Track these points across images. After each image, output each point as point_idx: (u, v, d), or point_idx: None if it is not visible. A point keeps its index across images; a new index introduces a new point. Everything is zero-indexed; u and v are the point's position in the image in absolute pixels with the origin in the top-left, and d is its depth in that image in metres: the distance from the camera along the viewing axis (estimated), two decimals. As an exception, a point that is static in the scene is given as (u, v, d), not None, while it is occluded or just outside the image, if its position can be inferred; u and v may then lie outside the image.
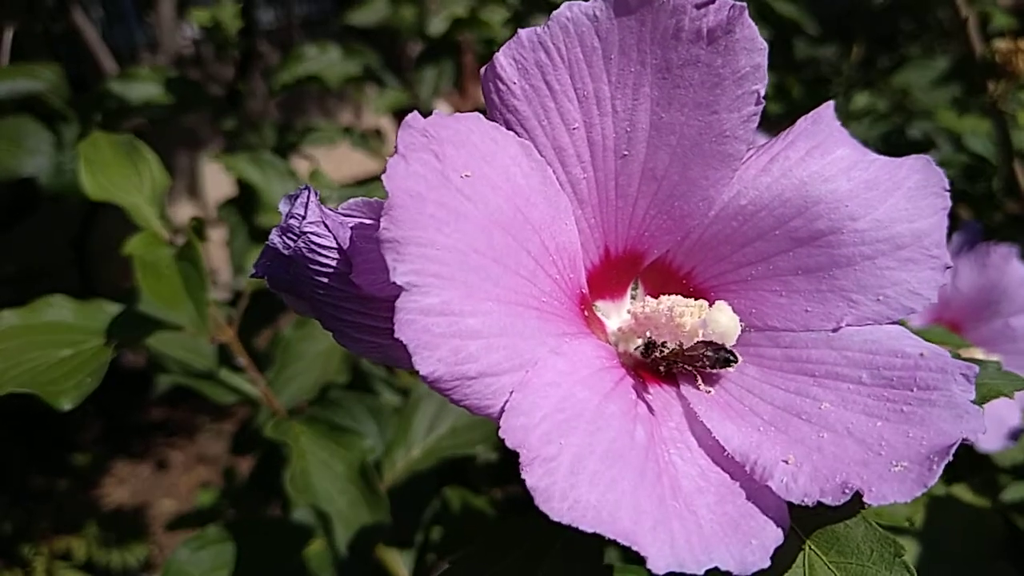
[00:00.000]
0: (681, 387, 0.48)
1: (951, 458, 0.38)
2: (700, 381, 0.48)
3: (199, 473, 3.26)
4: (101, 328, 0.88)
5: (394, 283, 0.38)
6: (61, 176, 1.95)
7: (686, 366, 0.48)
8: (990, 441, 1.18)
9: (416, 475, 1.15)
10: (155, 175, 0.95)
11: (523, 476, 0.36)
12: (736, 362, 0.49)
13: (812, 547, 0.44)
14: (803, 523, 0.45)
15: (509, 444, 0.37)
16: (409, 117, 0.41)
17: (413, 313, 0.37)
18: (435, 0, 1.83)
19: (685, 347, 0.47)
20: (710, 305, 0.47)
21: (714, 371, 0.49)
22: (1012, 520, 1.05)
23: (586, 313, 0.50)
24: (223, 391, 1.05)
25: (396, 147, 0.41)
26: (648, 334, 0.49)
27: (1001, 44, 1.26)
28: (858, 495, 0.38)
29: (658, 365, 0.49)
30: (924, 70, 1.96)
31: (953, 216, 1.31)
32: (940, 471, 0.38)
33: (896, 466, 0.39)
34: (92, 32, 2.01)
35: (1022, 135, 1.27)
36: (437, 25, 1.58)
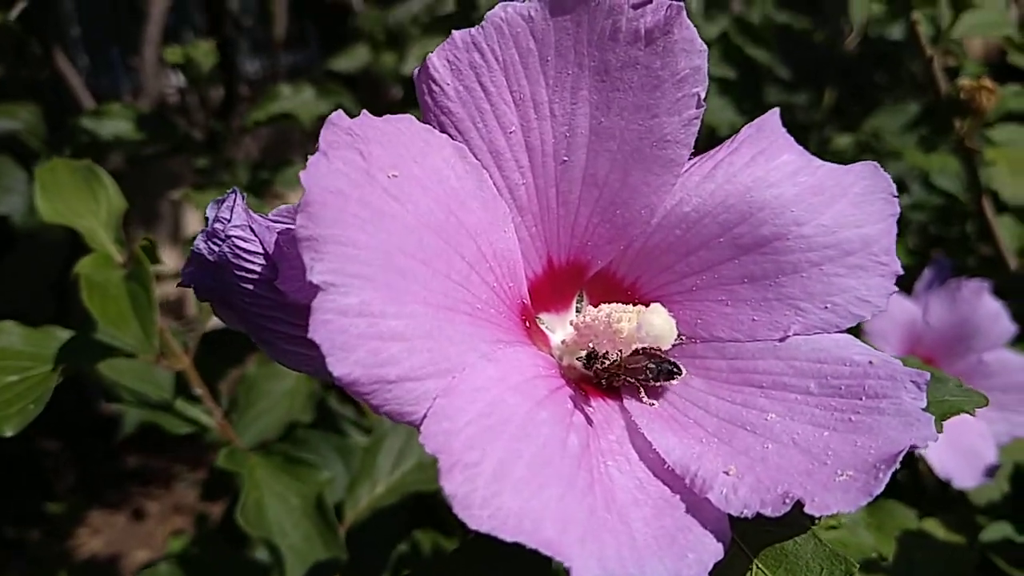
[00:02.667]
0: (624, 401, 0.46)
1: (898, 466, 0.37)
2: (644, 394, 0.46)
3: (175, 523, 3.17)
4: (51, 355, 0.86)
5: (311, 283, 0.36)
6: (35, 215, 1.93)
7: (629, 379, 0.46)
8: (966, 478, 1.16)
9: (381, 512, 1.12)
10: (112, 200, 0.94)
11: (441, 483, 0.34)
12: (680, 374, 0.47)
13: (759, 566, 0.42)
14: (751, 541, 0.43)
15: (428, 449, 0.35)
16: (333, 115, 0.40)
17: (329, 313, 0.35)
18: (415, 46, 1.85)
19: (625, 355, 0.45)
20: (650, 312, 0.46)
21: (658, 384, 0.47)
22: (990, 559, 1.02)
23: (528, 325, 0.48)
24: (179, 422, 1.02)
25: (318, 146, 0.39)
26: (590, 344, 0.47)
27: (965, 82, 1.27)
28: (799, 505, 0.36)
29: (600, 378, 0.47)
30: (895, 115, 1.98)
31: (927, 258, 1.30)
32: (887, 479, 0.36)
33: (841, 475, 0.37)
34: (75, 78, 2.02)
35: (989, 172, 1.28)
36: (410, 64, 1.59)
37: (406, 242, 0.39)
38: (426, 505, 1.40)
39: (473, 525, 0.33)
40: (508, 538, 0.33)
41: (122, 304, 0.78)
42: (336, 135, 0.39)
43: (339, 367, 0.35)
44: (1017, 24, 1.38)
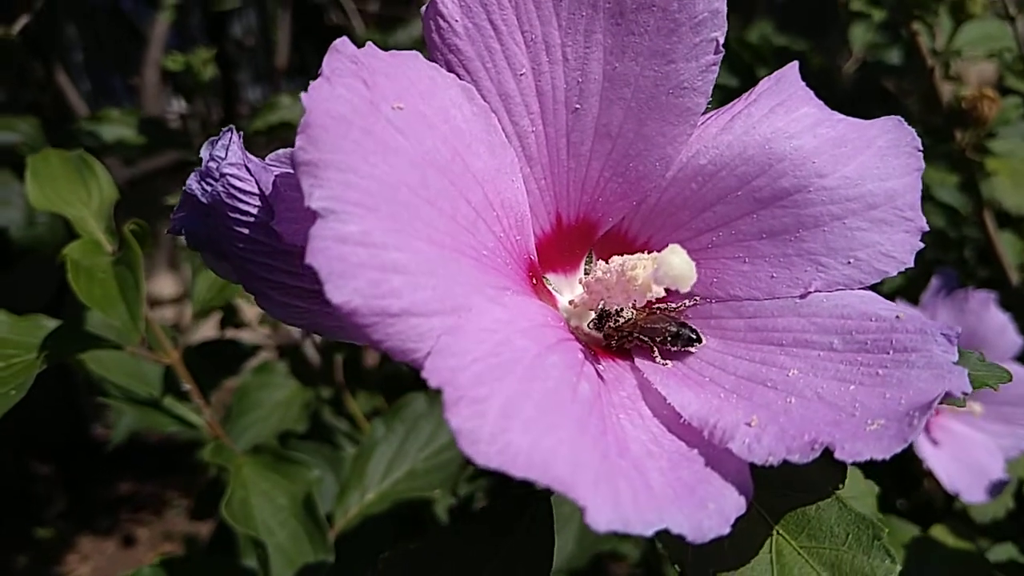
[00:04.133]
0: (636, 361, 0.44)
1: (933, 411, 0.34)
2: (658, 355, 0.44)
3: (165, 549, 3.10)
4: (36, 343, 0.83)
5: (309, 209, 0.34)
6: (33, 228, 1.91)
7: (644, 339, 0.44)
8: (974, 492, 1.13)
9: (371, 519, 1.09)
10: (104, 190, 0.92)
11: (446, 416, 0.31)
12: (699, 343, 0.45)
13: (780, 532, 0.39)
14: (771, 507, 0.40)
15: (432, 383, 0.32)
16: (337, 42, 0.38)
17: (328, 240, 0.33)
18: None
19: (639, 308, 0.43)
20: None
21: (675, 348, 0.44)
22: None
23: (535, 283, 0.45)
24: (167, 420, 0.99)
25: (321, 70, 0.37)
26: (601, 304, 0.45)
27: (967, 91, 1.27)
28: (829, 452, 0.33)
29: (611, 339, 0.45)
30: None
31: (926, 283, 1.29)
32: (922, 426, 0.34)
33: (872, 424, 0.34)
34: (75, 96, 2.01)
35: (991, 183, 1.27)
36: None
37: (410, 177, 0.37)
38: (411, 515, 1.37)
39: (480, 461, 0.31)
40: (519, 474, 0.30)
41: (109, 286, 0.76)
42: (340, 62, 0.37)
43: (337, 294, 0.32)
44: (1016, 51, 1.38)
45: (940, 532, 0.91)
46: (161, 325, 0.98)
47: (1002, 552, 1.18)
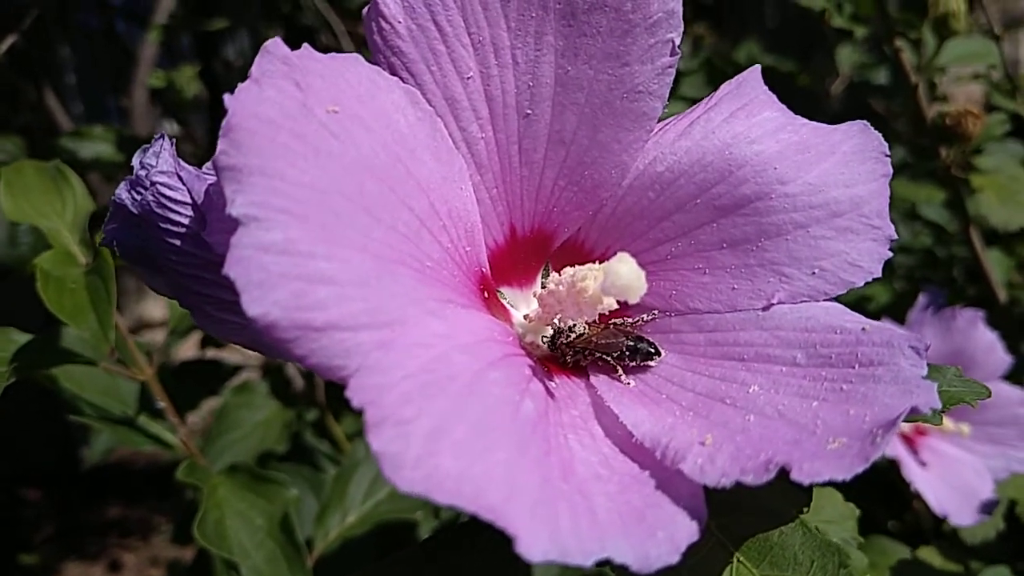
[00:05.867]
0: (591, 378, 0.42)
1: (897, 429, 0.32)
2: (616, 372, 0.41)
3: (151, 575, 3.06)
4: (7, 357, 0.81)
5: (230, 216, 0.32)
6: (15, 247, 1.89)
7: (601, 355, 0.42)
8: (963, 514, 1.11)
9: (351, 542, 1.06)
10: (79, 201, 0.90)
11: (368, 440, 0.29)
12: (658, 356, 0.42)
13: (741, 559, 0.37)
14: (731, 532, 0.38)
15: (355, 403, 0.30)
16: (269, 43, 0.36)
17: (248, 249, 0.31)
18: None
19: (591, 322, 0.41)
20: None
21: (632, 363, 0.42)
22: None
23: (487, 296, 0.43)
24: (142, 438, 0.96)
25: (250, 73, 0.35)
26: (556, 320, 0.43)
27: (951, 108, 1.26)
28: (785, 472, 0.31)
29: (566, 355, 0.42)
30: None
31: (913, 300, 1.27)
32: (885, 445, 0.31)
33: (833, 443, 0.32)
34: (64, 116, 2.00)
35: (977, 200, 1.25)
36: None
37: (344, 184, 0.35)
38: (395, 537, 1.35)
39: (403, 487, 0.28)
40: (444, 501, 0.28)
41: (79, 297, 0.73)
42: (271, 63, 0.35)
43: (254, 306, 0.30)
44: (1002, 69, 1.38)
45: (928, 554, 0.88)
46: (136, 342, 0.95)
47: (996, 574, 1.15)
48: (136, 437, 1.00)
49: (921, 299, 1.24)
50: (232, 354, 1.83)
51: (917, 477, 1.11)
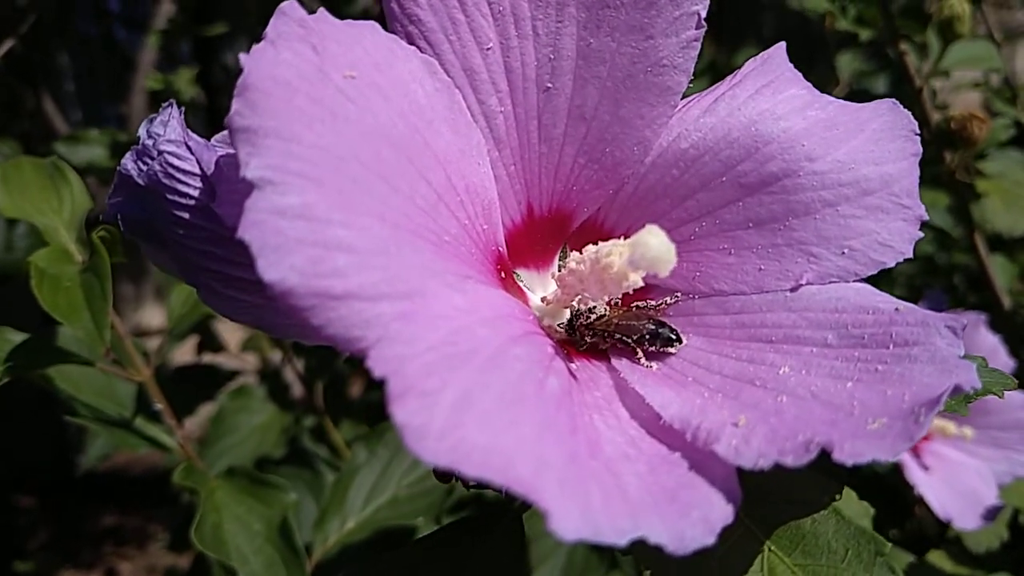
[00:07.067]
0: (612, 361, 0.40)
1: (940, 408, 0.30)
2: (637, 355, 0.40)
3: (147, 584, 3.02)
4: (1, 357, 0.79)
5: (244, 179, 0.30)
6: (11, 252, 1.88)
7: (622, 337, 0.40)
8: (967, 519, 1.10)
9: (350, 548, 1.04)
10: (76, 199, 0.88)
11: (390, 410, 0.28)
12: (680, 343, 0.41)
13: (772, 548, 0.35)
14: (762, 521, 0.36)
15: (377, 373, 0.29)
16: (284, 4, 0.35)
17: (263, 212, 0.29)
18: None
19: (614, 301, 0.39)
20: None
21: (654, 348, 0.41)
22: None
23: (503, 276, 0.42)
24: (138, 441, 0.94)
25: (264, 34, 0.34)
26: (575, 303, 0.41)
27: (956, 112, 1.25)
28: (826, 453, 0.30)
29: (584, 336, 0.41)
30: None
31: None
32: (928, 424, 0.30)
33: (874, 423, 0.31)
34: (64, 127, 1.99)
35: (982, 205, 1.24)
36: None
37: (362, 150, 0.33)
38: (395, 543, 1.33)
39: (429, 459, 0.27)
40: (471, 473, 0.26)
41: (74, 295, 0.72)
42: (287, 25, 0.34)
43: (271, 271, 0.29)
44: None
45: (938, 558, 0.87)
46: (134, 342, 0.94)
47: (1003, 585, 1.14)
48: (133, 439, 0.98)
49: (922, 304, 1.23)
50: (228, 360, 1.81)
51: (921, 481, 1.10)
